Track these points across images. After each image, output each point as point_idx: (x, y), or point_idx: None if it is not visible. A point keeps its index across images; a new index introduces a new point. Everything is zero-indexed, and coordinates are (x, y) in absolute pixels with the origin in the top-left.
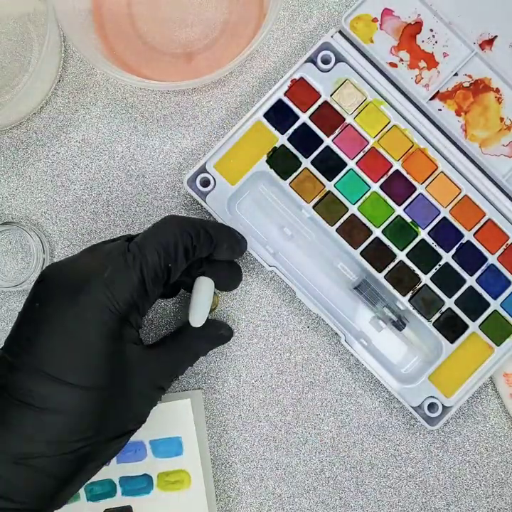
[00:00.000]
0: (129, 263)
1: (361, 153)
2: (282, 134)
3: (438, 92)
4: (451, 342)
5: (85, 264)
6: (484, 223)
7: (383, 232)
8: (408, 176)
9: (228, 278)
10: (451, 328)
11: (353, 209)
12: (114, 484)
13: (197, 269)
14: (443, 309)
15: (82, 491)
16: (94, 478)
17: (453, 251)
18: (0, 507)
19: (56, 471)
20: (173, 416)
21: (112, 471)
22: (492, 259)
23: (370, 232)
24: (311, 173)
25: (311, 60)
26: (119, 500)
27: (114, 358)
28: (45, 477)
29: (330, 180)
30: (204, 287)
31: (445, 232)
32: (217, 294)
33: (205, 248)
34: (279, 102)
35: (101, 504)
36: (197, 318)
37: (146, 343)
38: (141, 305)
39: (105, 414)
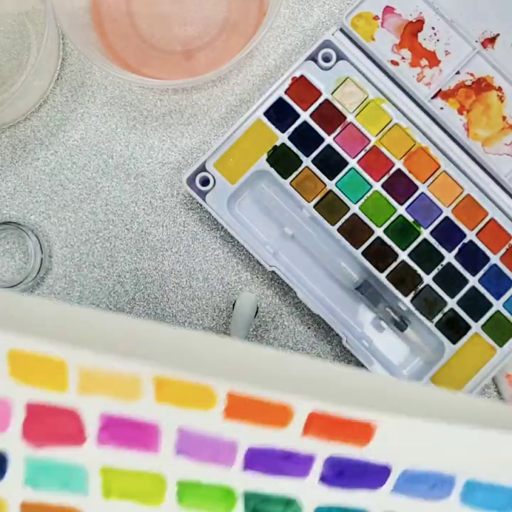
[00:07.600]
0: None
1: (362, 152)
2: (283, 132)
3: (440, 90)
4: (454, 343)
5: None
6: (487, 223)
7: (385, 231)
8: (410, 175)
9: None
10: (453, 329)
11: (355, 208)
12: None
13: None
14: (445, 310)
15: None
16: None
17: (455, 251)
18: None
19: None
20: None
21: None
22: (495, 259)
23: (372, 232)
24: (312, 172)
25: (312, 57)
26: None
27: None
28: None
29: (331, 180)
30: (246, 303)
31: (447, 232)
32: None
33: None
34: (280, 100)
35: None
36: (238, 333)
37: None
38: None
39: None
